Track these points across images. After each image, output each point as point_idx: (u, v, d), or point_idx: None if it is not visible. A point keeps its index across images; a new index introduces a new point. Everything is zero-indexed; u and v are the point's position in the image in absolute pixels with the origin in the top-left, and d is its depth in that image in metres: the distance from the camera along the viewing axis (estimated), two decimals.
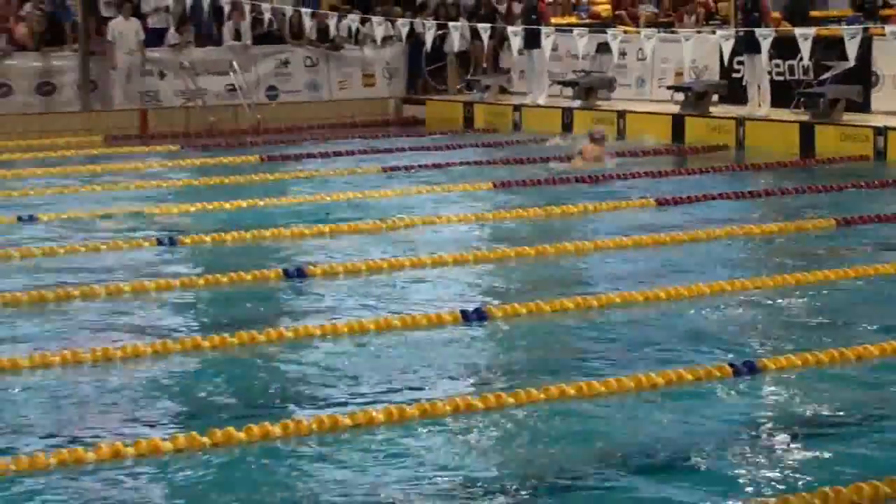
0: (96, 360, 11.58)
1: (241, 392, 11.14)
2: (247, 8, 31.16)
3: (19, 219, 18.33)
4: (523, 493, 8.64)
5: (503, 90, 31.79)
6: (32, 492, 8.71)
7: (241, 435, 9.52)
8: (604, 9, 34.92)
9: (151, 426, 10.05)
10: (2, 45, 29.59)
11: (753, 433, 9.76)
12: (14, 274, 15.14)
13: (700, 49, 27.43)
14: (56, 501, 8.59)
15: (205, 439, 9.46)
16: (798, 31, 25.35)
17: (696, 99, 26.99)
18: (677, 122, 26.53)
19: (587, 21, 32.94)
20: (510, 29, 29.49)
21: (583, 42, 28.73)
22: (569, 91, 29.72)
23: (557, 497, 8.65)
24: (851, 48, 24.15)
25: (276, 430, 9.66)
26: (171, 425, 10.06)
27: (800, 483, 8.64)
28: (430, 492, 8.63)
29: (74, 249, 16.22)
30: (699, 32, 28.02)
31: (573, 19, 32.34)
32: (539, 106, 29.63)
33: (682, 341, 12.30)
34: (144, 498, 8.65)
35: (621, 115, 27.75)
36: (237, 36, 31.42)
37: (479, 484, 8.77)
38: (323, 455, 9.39)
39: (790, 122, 25.29)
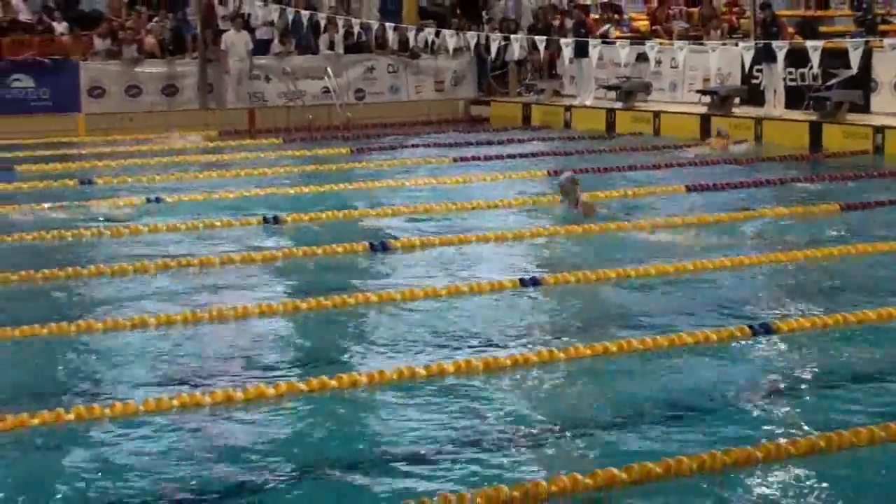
0: (212, 318, 11.65)
1: (331, 345, 11.20)
2: (340, 22, 31.19)
3: (147, 200, 18.42)
4: (575, 435, 8.66)
5: (556, 93, 31.70)
6: (158, 429, 8.77)
7: (333, 382, 9.55)
8: (642, 24, 34.83)
9: (258, 373, 10.11)
10: (133, 53, 29.75)
11: (769, 384, 9.75)
12: (143, 246, 15.24)
13: (724, 58, 27.29)
14: (175, 440, 8.64)
15: (302, 385, 9.51)
16: (809, 43, 25.30)
17: (720, 101, 26.91)
18: (705, 121, 26.43)
19: (628, 34, 32.79)
20: (563, 41, 29.43)
21: (624, 52, 28.70)
22: (612, 94, 29.63)
23: (602, 437, 8.65)
24: (854, 58, 24.18)
25: (363, 378, 9.70)
26: (275, 373, 10.11)
27: (807, 426, 8.61)
28: (493, 436, 8.64)
29: (194, 226, 16.28)
30: (724, 44, 27.85)
31: (616, 33, 32.16)
32: (586, 106, 29.57)
33: (707, 306, 12.28)
34: (259, 437, 8.71)
35: (656, 114, 27.70)
36: (331, 46, 31.49)
37: (533, 429, 8.77)
38: (399, 401, 9.42)
39: (801, 121, 25.17)
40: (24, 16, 30.21)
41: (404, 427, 8.84)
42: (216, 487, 7.73)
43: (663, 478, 7.63)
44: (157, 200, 18.34)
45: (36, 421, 8.74)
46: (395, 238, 15.21)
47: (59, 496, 7.65)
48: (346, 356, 10.74)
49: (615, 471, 7.59)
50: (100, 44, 29.97)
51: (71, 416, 8.85)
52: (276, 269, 14.10)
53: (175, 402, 9.15)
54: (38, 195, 19.15)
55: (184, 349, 10.90)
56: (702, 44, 28.90)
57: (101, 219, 16.95)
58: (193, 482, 7.81)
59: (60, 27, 30.08)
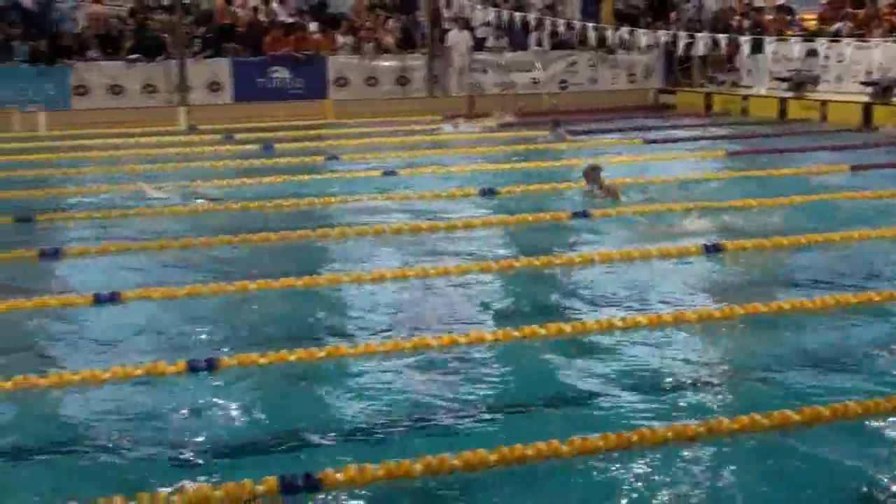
0: (438, 274, 11.68)
1: (540, 297, 11.15)
2: (547, 23, 31.10)
3: (384, 173, 18.59)
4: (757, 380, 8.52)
5: (734, 84, 31.15)
6: (370, 374, 8.82)
7: (544, 330, 9.54)
8: (812, 23, 34.03)
9: (485, 319, 10.14)
10: (372, 49, 30.04)
11: None
12: (380, 213, 15.36)
13: (885, 54, 26.55)
14: (385, 380, 8.68)
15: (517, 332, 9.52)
16: None
17: (882, 91, 26.18)
18: (867, 110, 25.72)
19: (799, 32, 32.05)
20: (741, 38, 28.94)
21: (796, 48, 28.15)
22: (784, 85, 29.00)
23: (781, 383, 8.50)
24: None
25: (567, 327, 9.67)
26: (502, 320, 10.11)
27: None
28: (680, 379, 8.55)
29: (422, 196, 16.40)
30: (885, 41, 27.08)
31: (788, 31, 31.44)
32: (761, 96, 29.01)
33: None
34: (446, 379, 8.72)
35: (823, 103, 26.98)
36: (539, 43, 31.43)
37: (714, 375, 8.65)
38: (607, 345, 9.37)
39: None
40: (282, 17, 30.70)
41: (626, 366, 8.84)
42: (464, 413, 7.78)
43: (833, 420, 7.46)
44: (393, 173, 18.49)
45: (293, 357, 8.87)
46: (595, 207, 15.09)
47: (319, 420, 7.75)
48: (553, 307, 10.69)
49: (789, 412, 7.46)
50: (343, 41, 30.33)
51: (322, 354, 8.97)
52: (492, 234, 14.10)
53: (381, 348, 9.18)
54: (292, 168, 19.47)
55: (415, 300, 10.97)
56: (865, 41, 28.12)
57: (345, 189, 17.16)
58: (436, 408, 7.87)
59: (312, 27, 30.51)
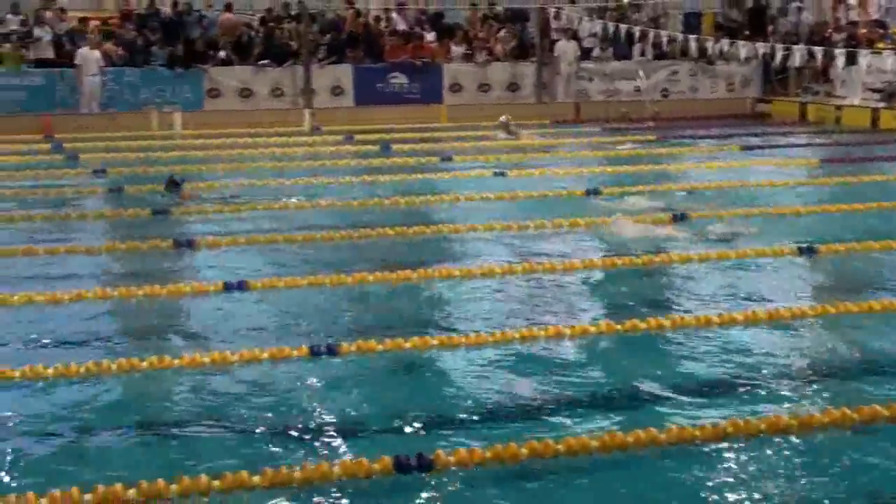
0: (544, 271, 11.64)
1: (646, 293, 11.07)
2: (650, 34, 30.88)
3: (494, 174, 18.58)
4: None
5: (828, 94, 30.65)
6: (479, 362, 8.80)
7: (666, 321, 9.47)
8: None
9: (597, 312, 10.10)
10: (484, 57, 30.07)
11: None
12: (490, 212, 15.29)
13: None
14: (493, 368, 8.66)
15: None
16: None
17: None
18: None
19: (892, 46, 31.44)
20: (836, 51, 28.49)
21: (888, 60, 27.57)
22: (876, 96, 28.48)
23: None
24: None
25: (690, 320, 9.58)
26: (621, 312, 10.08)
27: None
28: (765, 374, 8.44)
29: (530, 195, 16.36)
30: None
31: (881, 44, 30.86)
32: (854, 106, 28.52)
33: None
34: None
35: None
36: (643, 53, 31.24)
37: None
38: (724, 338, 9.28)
39: None
40: (401, 26, 30.82)
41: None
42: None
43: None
44: (502, 174, 18.46)
45: (409, 345, 8.89)
46: (694, 210, 14.92)
47: (432, 405, 7.77)
48: (653, 304, 10.58)
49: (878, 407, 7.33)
50: (458, 50, 30.37)
51: (436, 342, 8.98)
52: (595, 232, 13.95)
53: (489, 339, 9.17)
54: (408, 168, 19.54)
55: (523, 293, 10.96)
56: None
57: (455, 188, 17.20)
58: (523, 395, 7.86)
59: (429, 36, 30.59)
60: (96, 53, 26.83)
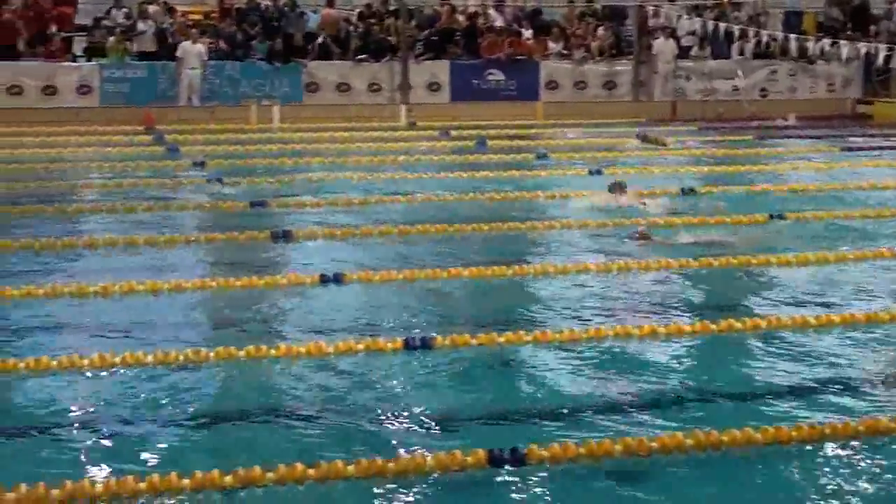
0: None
1: (734, 293, 10.98)
2: (750, 33, 30.57)
3: (589, 172, 18.48)
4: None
5: None
6: (573, 358, 8.78)
7: (739, 324, 9.39)
8: None
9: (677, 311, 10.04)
10: (581, 55, 30.01)
11: None
12: (580, 209, 15.27)
13: None
14: (587, 364, 8.64)
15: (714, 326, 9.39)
16: None
17: None
18: None
19: None
20: None
21: None
22: None
23: None
24: None
25: (762, 322, 9.50)
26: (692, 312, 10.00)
27: None
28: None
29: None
30: None
31: None
32: None
33: None
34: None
35: None
36: (741, 52, 30.95)
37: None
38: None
39: None
40: (499, 23, 30.83)
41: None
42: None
43: None
44: (598, 172, 18.39)
45: (502, 340, 8.89)
46: (790, 211, 14.72)
47: (525, 399, 7.77)
48: (749, 304, 10.50)
49: None
50: (555, 47, 30.32)
51: (529, 338, 8.97)
52: (691, 232, 13.83)
53: (610, 332, 9.14)
54: (503, 164, 19.54)
55: (616, 291, 10.93)
56: None
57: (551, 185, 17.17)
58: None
59: (527, 33, 30.57)
60: (198, 47, 27.19)
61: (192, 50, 27.09)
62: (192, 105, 27.12)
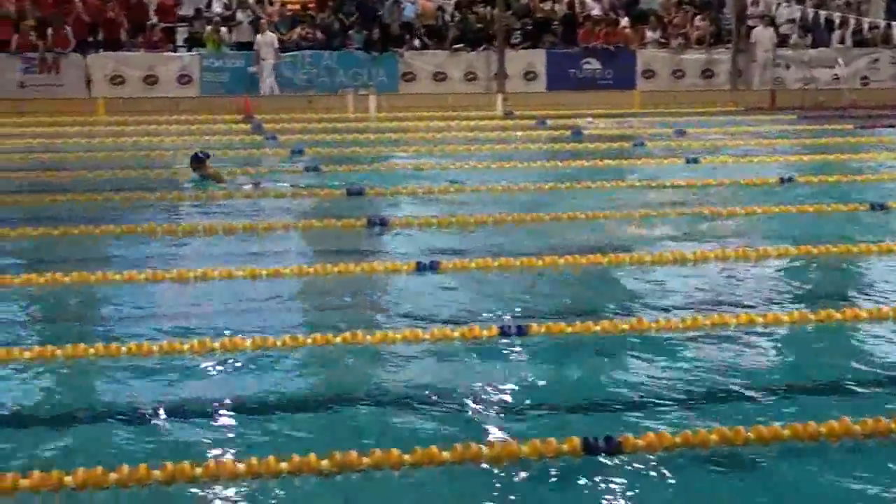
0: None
1: (830, 283, 10.82)
2: (851, 21, 30.10)
3: (686, 161, 18.31)
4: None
5: None
6: (668, 347, 8.70)
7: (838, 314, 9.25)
8: None
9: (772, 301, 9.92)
10: (679, 43, 29.77)
11: None
12: (679, 198, 15.14)
13: None
14: (683, 354, 8.57)
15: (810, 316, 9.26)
16: None
17: None
18: None
19: None
20: None
21: None
22: None
23: None
24: None
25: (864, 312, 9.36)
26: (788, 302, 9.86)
27: None
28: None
29: (721, 182, 16.11)
30: None
31: None
32: None
33: None
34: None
35: None
36: (842, 40, 30.46)
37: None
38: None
39: None
40: (596, 12, 30.69)
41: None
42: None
43: None
44: (695, 161, 18.22)
45: (598, 328, 8.85)
46: (891, 200, 14.46)
47: (620, 388, 7.74)
48: (848, 295, 10.33)
49: None
50: (652, 35, 30.11)
51: (625, 326, 8.92)
52: (789, 221, 13.68)
53: (706, 322, 9.04)
54: (600, 153, 19.45)
55: (713, 280, 10.82)
56: None
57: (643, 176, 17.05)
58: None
59: (623, 21, 30.40)
60: (269, 37, 27.43)
61: (264, 41, 27.37)
62: (273, 93, 27.38)
